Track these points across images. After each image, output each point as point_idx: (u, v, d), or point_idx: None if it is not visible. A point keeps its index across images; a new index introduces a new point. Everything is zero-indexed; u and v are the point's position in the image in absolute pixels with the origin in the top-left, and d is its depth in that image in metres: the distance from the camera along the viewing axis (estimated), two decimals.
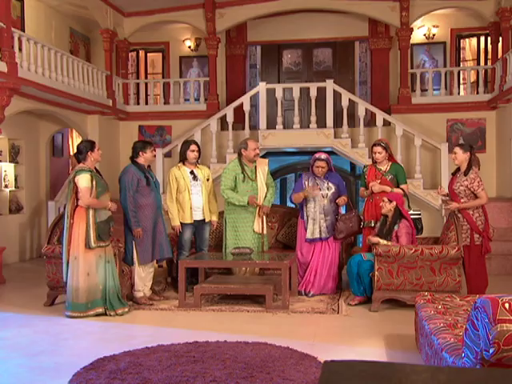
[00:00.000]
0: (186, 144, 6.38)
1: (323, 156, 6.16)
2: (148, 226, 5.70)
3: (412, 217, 5.77)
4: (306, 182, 6.21)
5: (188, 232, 6.29)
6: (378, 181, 6.09)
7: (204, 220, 6.33)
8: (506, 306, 2.24)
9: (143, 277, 5.76)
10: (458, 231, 5.44)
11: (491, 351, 2.22)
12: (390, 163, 6.22)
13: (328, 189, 6.15)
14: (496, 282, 7.13)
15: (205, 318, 5.20)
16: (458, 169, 5.69)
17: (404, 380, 1.83)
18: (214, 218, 6.44)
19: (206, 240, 6.50)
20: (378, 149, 6.15)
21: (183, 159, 6.33)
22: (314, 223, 6.10)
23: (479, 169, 5.64)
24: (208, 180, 6.37)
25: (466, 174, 5.55)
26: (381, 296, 5.45)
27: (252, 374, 3.49)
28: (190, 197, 6.21)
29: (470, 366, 2.38)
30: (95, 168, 5.41)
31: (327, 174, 6.20)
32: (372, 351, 4.11)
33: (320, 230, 6.09)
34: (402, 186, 6.13)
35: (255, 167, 6.37)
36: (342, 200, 6.14)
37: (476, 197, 5.54)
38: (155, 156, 6.27)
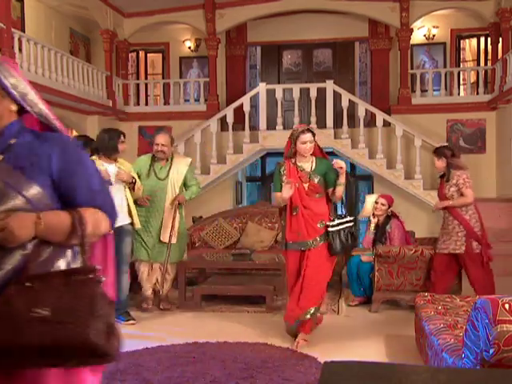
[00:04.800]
0: (112, 133, 4.96)
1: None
2: None
3: (341, 226, 4.26)
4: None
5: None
6: (306, 184, 4.34)
7: (123, 226, 4.88)
8: (506, 306, 2.24)
9: None
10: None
11: (491, 352, 2.22)
12: (314, 158, 4.45)
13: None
14: (496, 282, 7.13)
15: (205, 319, 5.20)
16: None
17: (404, 380, 1.83)
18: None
19: (128, 253, 5.06)
20: (308, 137, 4.38)
21: (112, 152, 4.93)
22: None
23: (464, 169, 5.15)
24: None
25: (447, 180, 5.12)
26: (381, 297, 5.44)
27: (252, 374, 3.49)
28: None
29: (470, 367, 2.38)
30: None
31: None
32: (372, 352, 4.10)
33: None
34: (337, 190, 4.30)
35: (170, 166, 5.44)
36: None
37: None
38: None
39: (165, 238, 5.33)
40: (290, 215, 4.30)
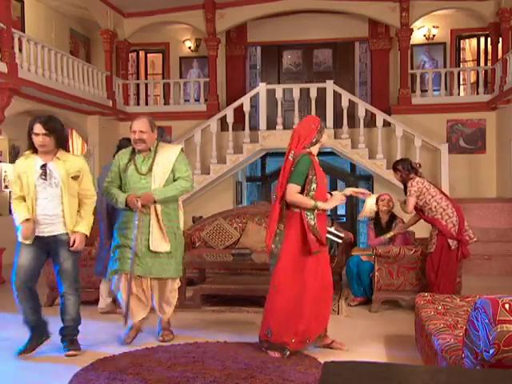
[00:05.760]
0: (31, 122, 3.99)
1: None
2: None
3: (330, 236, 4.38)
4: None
5: (25, 255, 4.09)
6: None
7: (57, 236, 3.98)
8: (506, 306, 2.23)
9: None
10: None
11: (491, 352, 2.22)
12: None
13: None
14: (496, 282, 7.15)
15: (205, 319, 5.20)
16: None
17: (404, 381, 1.83)
18: (80, 230, 4.00)
19: (69, 268, 4.02)
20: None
21: (29, 147, 4.08)
22: None
23: (414, 178, 5.22)
24: (77, 178, 4.00)
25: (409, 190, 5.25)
26: (381, 297, 5.44)
27: (252, 374, 3.49)
28: (35, 203, 3.95)
29: (470, 367, 2.38)
30: None
31: None
32: (372, 352, 4.10)
33: None
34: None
35: (153, 157, 4.28)
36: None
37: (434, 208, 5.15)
38: None
39: (156, 246, 4.23)
40: (319, 213, 3.96)
